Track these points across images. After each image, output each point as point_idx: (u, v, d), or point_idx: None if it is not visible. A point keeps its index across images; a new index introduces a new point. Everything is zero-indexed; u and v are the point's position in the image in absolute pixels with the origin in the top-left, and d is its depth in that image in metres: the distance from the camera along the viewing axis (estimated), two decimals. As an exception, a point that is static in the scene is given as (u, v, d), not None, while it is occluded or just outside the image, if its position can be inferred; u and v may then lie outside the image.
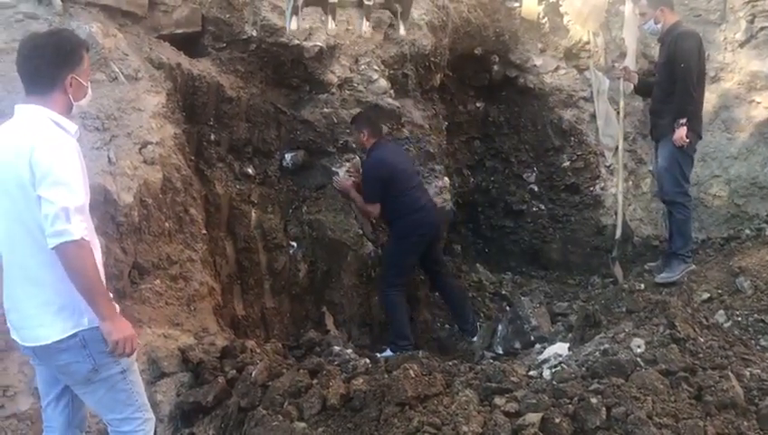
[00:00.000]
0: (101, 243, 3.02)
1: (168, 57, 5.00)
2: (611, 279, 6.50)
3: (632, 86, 6.35)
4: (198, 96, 5.20)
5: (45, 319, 2.74)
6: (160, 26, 5.22)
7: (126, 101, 4.48)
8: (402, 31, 5.27)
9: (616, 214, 6.69)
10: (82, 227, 2.61)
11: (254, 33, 5.53)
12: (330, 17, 4.86)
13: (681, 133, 5.47)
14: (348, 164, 5.92)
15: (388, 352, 5.37)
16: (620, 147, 6.61)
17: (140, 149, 4.38)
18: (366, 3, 4.87)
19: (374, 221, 6.06)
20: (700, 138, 5.80)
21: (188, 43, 5.42)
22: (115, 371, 2.86)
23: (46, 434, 3.06)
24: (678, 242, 5.71)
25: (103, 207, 3.93)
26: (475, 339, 5.88)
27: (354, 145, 5.93)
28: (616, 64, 6.54)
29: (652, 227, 6.97)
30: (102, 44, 4.52)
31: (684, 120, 5.45)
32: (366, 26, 5.03)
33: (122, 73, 4.58)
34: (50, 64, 2.75)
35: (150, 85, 4.67)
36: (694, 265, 5.71)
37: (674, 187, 5.68)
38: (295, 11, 4.79)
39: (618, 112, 6.68)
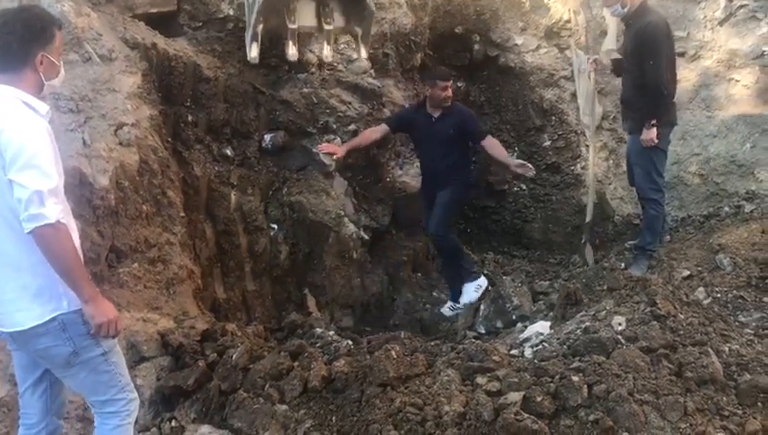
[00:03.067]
0: (78, 226, 2.97)
1: (143, 37, 4.90)
2: (579, 264, 6.52)
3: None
4: (175, 76, 5.11)
5: (23, 304, 2.70)
6: (135, 5, 5.12)
7: (100, 81, 4.39)
8: (363, 54, 5.25)
9: (595, 194, 6.70)
10: (58, 210, 2.56)
11: (231, 12, 5.44)
12: (290, 42, 4.81)
13: (650, 135, 5.47)
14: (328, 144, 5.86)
15: (472, 292, 5.84)
16: (592, 132, 6.61)
17: (116, 130, 4.31)
18: (326, 27, 4.85)
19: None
20: (673, 126, 5.80)
21: (164, 23, 5.32)
22: (96, 353, 2.82)
23: (23, 421, 3.01)
24: (648, 237, 5.74)
25: (79, 190, 3.87)
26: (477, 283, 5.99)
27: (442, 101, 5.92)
28: (589, 58, 6.49)
29: (632, 206, 6.98)
30: (75, 24, 4.43)
31: (653, 121, 5.45)
32: (327, 50, 5.00)
33: (96, 54, 4.48)
34: (20, 41, 2.67)
35: (125, 66, 4.59)
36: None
37: (647, 183, 5.68)
38: (255, 38, 4.73)
39: (597, 91, 6.68)
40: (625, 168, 7.00)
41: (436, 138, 5.90)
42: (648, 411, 3.23)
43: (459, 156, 5.99)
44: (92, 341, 2.78)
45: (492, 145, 6.01)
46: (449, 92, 5.89)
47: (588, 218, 6.52)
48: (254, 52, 4.80)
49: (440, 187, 5.93)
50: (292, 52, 4.85)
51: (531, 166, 5.78)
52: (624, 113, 5.94)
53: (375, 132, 5.96)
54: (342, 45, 5.93)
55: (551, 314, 5.06)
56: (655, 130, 5.45)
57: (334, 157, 5.77)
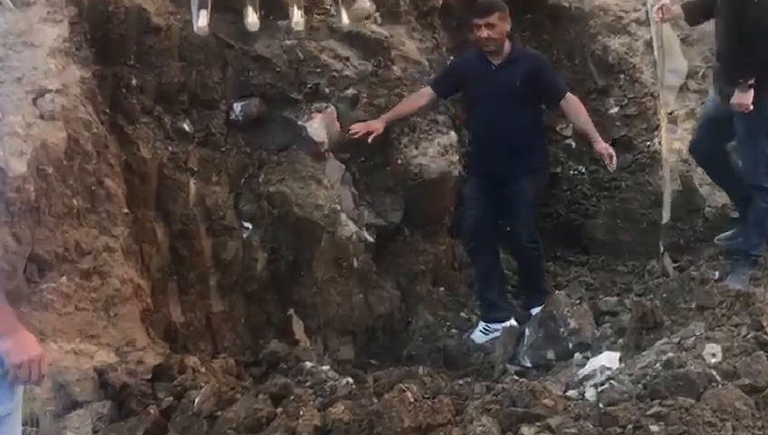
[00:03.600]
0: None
1: (71, -27, 4.94)
2: (658, 274, 6.52)
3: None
4: (113, 26, 5.15)
5: None
6: (58, -69, 5.15)
7: (14, 34, 4.44)
8: (345, 20, 5.27)
9: (678, 180, 6.68)
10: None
11: (187, -62, 5.47)
12: (250, 8, 4.84)
13: (743, 99, 5.43)
14: (318, 115, 5.87)
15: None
16: (662, 96, 6.59)
17: (35, 99, 4.35)
18: None
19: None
20: None
21: (98, -46, 5.35)
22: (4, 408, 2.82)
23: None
24: (755, 238, 5.76)
25: (-14, 179, 3.90)
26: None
27: (487, 40, 5.87)
28: (653, 4, 6.43)
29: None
30: (-21, -44, 4.47)
31: (751, 81, 5.40)
32: (297, 16, 5.03)
33: (8, -4, 4.53)
34: None
35: (47, 12, 4.63)
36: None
37: (762, 166, 5.66)
38: (204, 4, 4.75)
39: (679, 39, 6.65)
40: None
41: (497, 92, 5.88)
42: (752, 472, 3.24)
43: (530, 121, 5.95)
44: (7, 389, 2.77)
45: (575, 107, 6.00)
46: (483, 32, 5.80)
47: (665, 218, 6.49)
48: (201, 20, 4.86)
49: (508, 167, 5.92)
50: (252, 20, 4.93)
51: (615, 159, 5.86)
52: (718, 72, 5.90)
53: (421, 97, 6.07)
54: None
55: (620, 341, 5.07)
56: (751, 92, 5.42)
57: (372, 135, 5.79)
